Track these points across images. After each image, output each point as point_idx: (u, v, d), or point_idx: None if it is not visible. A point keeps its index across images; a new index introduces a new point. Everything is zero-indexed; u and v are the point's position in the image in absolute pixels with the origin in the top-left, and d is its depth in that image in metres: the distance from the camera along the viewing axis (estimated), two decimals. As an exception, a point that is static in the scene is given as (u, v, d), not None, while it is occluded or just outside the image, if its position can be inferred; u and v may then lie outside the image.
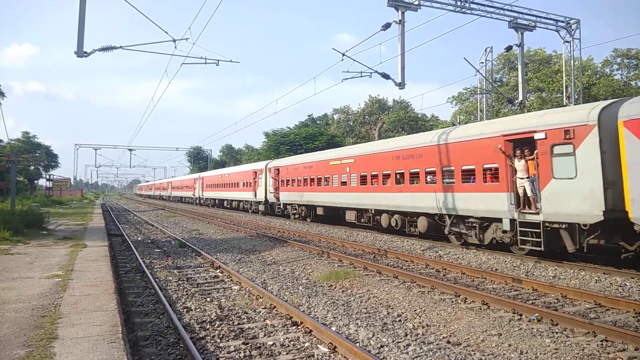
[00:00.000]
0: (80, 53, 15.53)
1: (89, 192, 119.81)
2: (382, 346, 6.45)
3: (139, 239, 20.65)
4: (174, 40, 17.31)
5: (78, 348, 5.39)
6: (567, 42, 23.65)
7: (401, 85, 18.07)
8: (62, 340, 5.70)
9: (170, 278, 11.39)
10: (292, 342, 6.63)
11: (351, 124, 65.71)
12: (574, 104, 23.12)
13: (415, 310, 8.38)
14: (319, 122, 68.40)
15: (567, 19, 23.11)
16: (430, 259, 13.41)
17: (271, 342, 6.62)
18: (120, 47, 17.34)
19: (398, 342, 6.56)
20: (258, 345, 6.53)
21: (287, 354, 6.23)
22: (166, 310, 8.12)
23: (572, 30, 23.30)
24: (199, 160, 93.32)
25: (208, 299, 9.29)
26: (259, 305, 8.70)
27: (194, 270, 12.52)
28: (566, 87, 25.27)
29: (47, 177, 71.50)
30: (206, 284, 10.80)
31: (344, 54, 18.32)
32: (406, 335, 6.94)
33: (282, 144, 53.39)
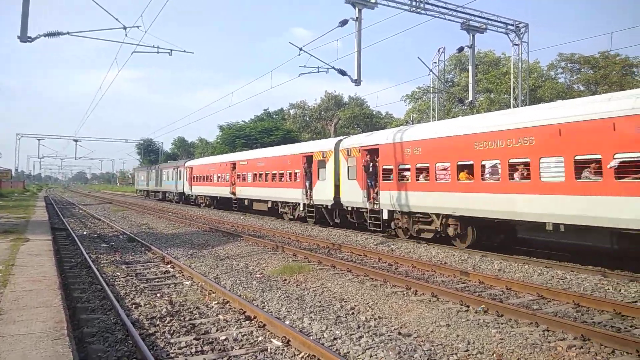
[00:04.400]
0: (24, 38, 14.74)
1: (31, 184, 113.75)
2: (335, 338, 6.52)
3: (85, 233, 19.84)
4: (125, 28, 16.75)
5: (20, 345, 5.13)
6: (516, 45, 24.62)
7: (357, 82, 18.24)
8: (2, 337, 5.40)
9: (118, 273, 11.03)
10: (245, 337, 6.59)
11: (307, 119, 65.76)
12: (521, 106, 24.12)
13: (367, 303, 8.52)
14: (275, 116, 68.08)
15: (517, 23, 24.04)
16: (383, 253, 13.66)
17: (224, 337, 6.54)
18: (68, 33, 16.58)
19: (351, 334, 6.65)
20: (210, 340, 6.45)
21: (239, 348, 6.18)
22: (114, 306, 7.86)
23: (521, 33, 24.27)
24: (150, 152, 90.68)
25: (158, 295, 9.06)
26: (212, 300, 8.58)
27: (143, 266, 12.17)
28: (513, 89, 26.32)
29: (-15, 168, 67.40)
30: (156, 280, 10.53)
31: (301, 49, 18.30)
32: (359, 327, 7.05)
33: (238, 137, 52.78)
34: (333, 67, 18.64)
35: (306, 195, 21.72)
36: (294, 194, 22.86)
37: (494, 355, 5.96)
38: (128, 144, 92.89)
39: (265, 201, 26.09)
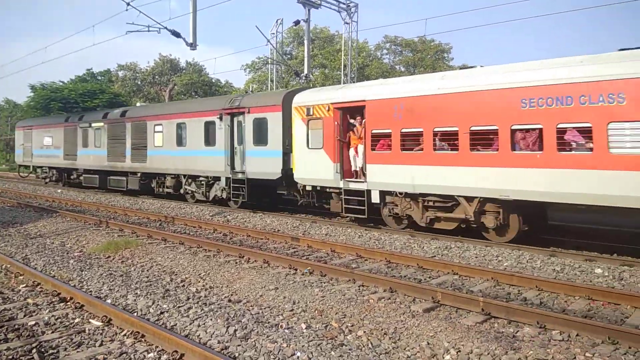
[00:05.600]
0: None
1: None
2: (162, 312, 6.34)
3: None
4: None
5: None
6: (347, 23, 26.02)
7: (193, 45, 17.44)
8: None
9: None
10: (59, 320, 6.02)
11: (139, 83, 60.96)
12: (350, 82, 25.78)
13: (199, 274, 8.45)
14: (100, 78, 61.48)
15: (348, 2, 25.33)
16: (218, 224, 13.61)
17: (33, 322, 5.90)
18: None
19: (179, 307, 6.54)
20: (16, 327, 5.76)
21: (52, 332, 5.64)
22: None
23: (351, 12, 25.67)
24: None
25: (-53, 282, 7.71)
26: (19, 284, 7.63)
27: None
28: (345, 66, 27.94)
29: None
30: (-55, 264, 8.93)
31: (128, 4, 16.85)
32: (188, 299, 6.97)
33: (54, 100, 46.49)
34: (165, 28, 17.56)
35: None
36: None
37: (316, 311, 6.45)
38: None
39: None
